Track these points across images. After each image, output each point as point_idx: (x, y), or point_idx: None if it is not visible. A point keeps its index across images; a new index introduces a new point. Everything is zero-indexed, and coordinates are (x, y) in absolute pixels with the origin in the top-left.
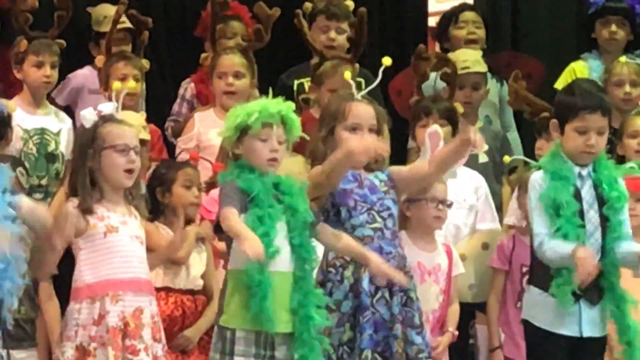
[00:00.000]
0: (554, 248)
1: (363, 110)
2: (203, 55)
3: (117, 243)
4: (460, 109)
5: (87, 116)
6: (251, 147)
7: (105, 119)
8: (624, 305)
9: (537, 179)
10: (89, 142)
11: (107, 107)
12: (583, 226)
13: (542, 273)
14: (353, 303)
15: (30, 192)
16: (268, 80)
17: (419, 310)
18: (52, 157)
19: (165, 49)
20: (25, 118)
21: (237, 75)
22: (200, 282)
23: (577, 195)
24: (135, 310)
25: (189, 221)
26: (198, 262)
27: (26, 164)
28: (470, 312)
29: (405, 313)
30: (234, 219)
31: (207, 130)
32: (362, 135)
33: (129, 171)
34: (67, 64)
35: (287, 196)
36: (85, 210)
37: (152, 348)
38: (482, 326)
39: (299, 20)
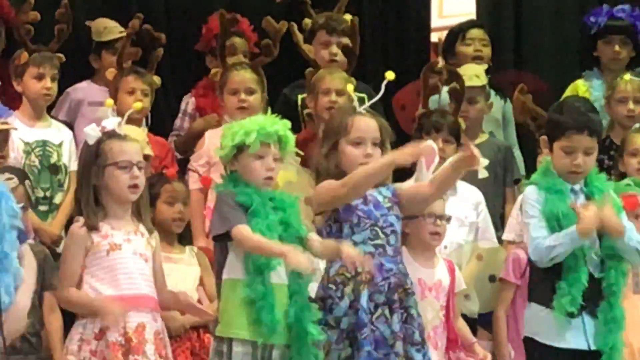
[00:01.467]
0: (555, 238)
1: (366, 124)
2: (213, 71)
3: (120, 260)
4: (463, 124)
5: (91, 133)
6: (248, 165)
7: (109, 135)
8: (616, 318)
9: (531, 192)
10: (92, 159)
11: (111, 123)
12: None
13: (542, 289)
14: (352, 320)
15: (35, 204)
16: (271, 94)
17: (420, 327)
18: (55, 169)
19: (168, 63)
20: (26, 131)
21: (249, 91)
22: (194, 297)
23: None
24: (138, 326)
25: (186, 239)
26: (189, 277)
27: (30, 177)
28: (471, 328)
29: (405, 330)
30: (257, 237)
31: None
32: (366, 149)
33: (134, 187)
34: (66, 78)
35: (280, 211)
36: (90, 227)
37: None
38: (483, 342)
39: (293, 31)
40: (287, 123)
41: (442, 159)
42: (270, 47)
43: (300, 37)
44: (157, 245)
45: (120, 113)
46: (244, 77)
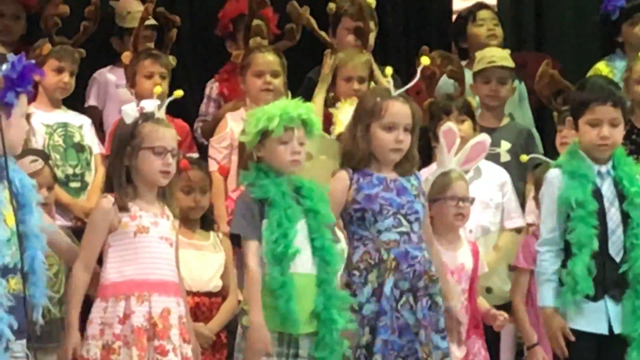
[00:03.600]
0: (542, 263)
1: (399, 109)
2: (235, 53)
3: (146, 244)
4: (474, 103)
5: (129, 112)
6: (273, 150)
7: (146, 117)
8: None
9: (554, 176)
10: (127, 138)
11: (150, 105)
12: (596, 227)
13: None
14: (374, 307)
15: (66, 182)
16: (293, 78)
17: (445, 315)
18: (80, 147)
19: (189, 48)
20: (45, 115)
21: (275, 74)
22: (217, 284)
23: (597, 194)
24: (163, 311)
25: (210, 224)
26: (213, 264)
27: (56, 156)
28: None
29: (430, 318)
30: (253, 272)
31: (238, 131)
32: (398, 134)
33: (165, 172)
34: (91, 59)
35: (307, 200)
36: (121, 207)
37: (181, 349)
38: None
39: (304, 15)
40: (311, 106)
41: (462, 138)
42: (293, 31)
43: (313, 21)
44: (177, 230)
45: (139, 97)
46: (269, 59)
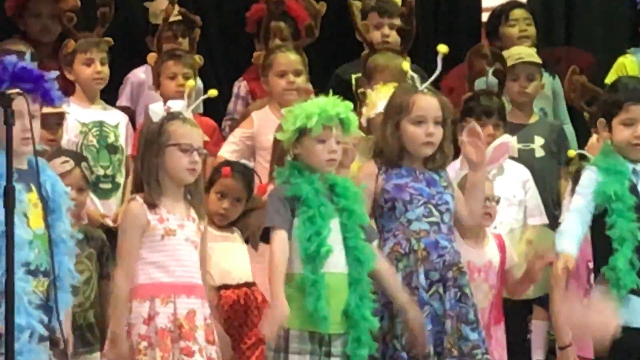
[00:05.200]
0: (562, 230)
1: (427, 103)
2: (256, 53)
3: (173, 247)
4: (508, 106)
5: (156, 110)
6: (310, 148)
7: (173, 116)
8: None
9: (591, 171)
10: (154, 137)
11: (177, 104)
12: (636, 221)
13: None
14: None
15: (97, 183)
16: (320, 75)
17: (474, 306)
18: (113, 148)
19: (218, 46)
20: (82, 112)
21: (297, 73)
22: (248, 276)
23: (633, 190)
24: (189, 312)
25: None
26: (244, 254)
27: (88, 156)
28: (527, 307)
29: (459, 309)
30: (278, 257)
31: (265, 131)
32: (428, 128)
33: (191, 170)
34: (127, 62)
35: (342, 198)
36: (150, 204)
37: (206, 350)
38: (538, 321)
39: (351, 9)
40: (349, 105)
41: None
42: (312, 28)
43: (358, 15)
44: (205, 231)
45: (164, 98)
46: (291, 58)
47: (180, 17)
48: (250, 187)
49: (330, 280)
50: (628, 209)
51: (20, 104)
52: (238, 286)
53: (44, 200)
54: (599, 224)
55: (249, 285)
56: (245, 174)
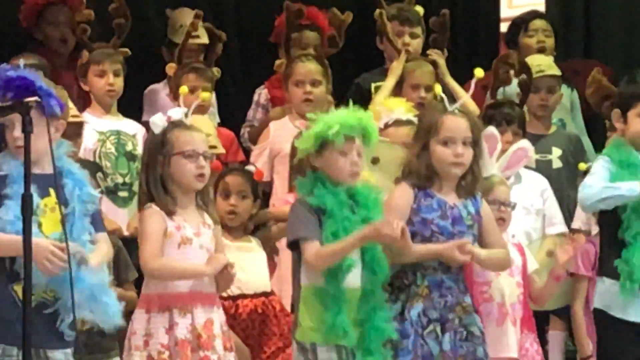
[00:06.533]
0: (613, 184)
1: (456, 123)
2: (277, 62)
3: (190, 255)
4: (527, 116)
5: (157, 122)
6: (331, 160)
7: (174, 124)
8: None
9: (604, 161)
10: (158, 147)
11: (177, 113)
12: None
13: (613, 262)
14: (398, 326)
15: (115, 191)
16: (339, 84)
17: (484, 344)
18: (131, 156)
19: (238, 54)
20: (99, 122)
21: (314, 83)
22: (270, 284)
23: None
24: (207, 322)
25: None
26: (262, 262)
27: (107, 164)
28: (544, 317)
29: (466, 348)
30: (325, 250)
31: (281, 140)
32: (456, 148)
33: (200, 176)
34: (143, 72)
35: (362, 208)
36: (168, 212)
37: (225, 357)
38: (555, 332)
39: (382, 19)
40: (371, 115)
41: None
42: (335, 38)
43: (389, 26)
44: (220, 235)
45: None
46: (309, 68)
47: (202, 42)
48: (253, 183)
49: (349, 295)
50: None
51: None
52: (255, 295)
53: (62, 204)
54: (609, 217)
55: (266, 294)
56: (243, 170)
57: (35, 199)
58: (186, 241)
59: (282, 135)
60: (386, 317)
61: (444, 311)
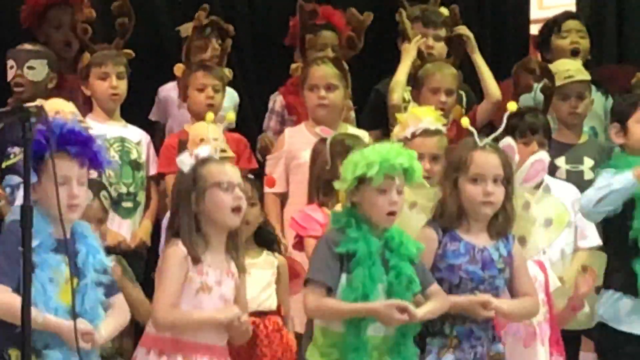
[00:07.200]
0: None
1: (486, 159)
2: (293, 65)
3: (206, 304)
4: (553, 124)
5: (185, 160)
6: (370, 198)
7: (204, 160)
8: None
9: (608, 173)
10: (190, 184)
11: (204, 151)
12: None
13: (620, 275)
14: None
15: (118, 201)
16: (360, 89)
17: None
18: (136, 165)
19: (251, 59)
20: (102, 128)
21: (330, 87)
22: (270, 303)
23: None
24: None
25: (268, 243)
26: (260, 282)
27: (110, 173)
28: (575, 338)
29: None
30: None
31: (297, 148)
32: (486, 187)
33: (236, 209)
34: (153, 76)
35: (394, 256)
36: (195, 259)
37: None
38: (587, 353)
39: (402, 19)
40: (413, 153)
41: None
42: (354, 40)
43: (409, 25)
44: (244, 286)
45: (191, 110)
46: (324, 72)
47: (210, 20)
48: (260, 190)
49: (371, 344)
50: None
51: (67, 168)
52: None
53: (74, 274)
54: (616, 224)
55: (263, 314)
56: (247, 177)
57: (60, 267)
58: (206, 289)
59: (297, 142)
60: None
61: None
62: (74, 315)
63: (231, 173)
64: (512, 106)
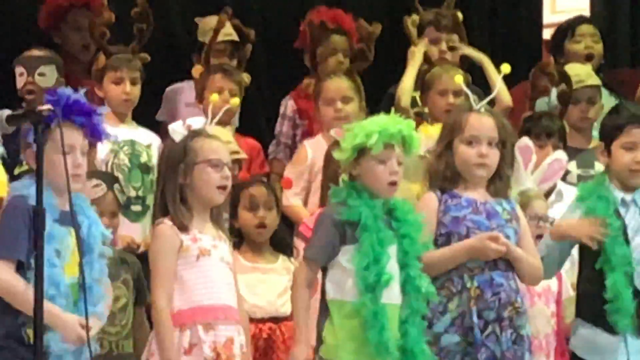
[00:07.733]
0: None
1: (481, 122)
2: (305, 81)
3: (209, 267)
4: (567, 128)
5: (177, 129)
6: (370, 169)
7: (196, 133)
8: None
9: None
10: (180, 156)
11: (198, 122)
12: (628, 244)
13: (588, 305)
14: (454, 338)
15: (127, 204)
16: (373, 95)
17: (530, 348)
18: (146, 168)
19: (263, 62)
20: (113, 131)
21: (345, 100)
22: (286, 309)
23: (619, 217)
24: (227, 341)
25: (284, 248)
26: (277, 287)
27: (120, 176)
28: None
29: (514, 351)
30: (304, 311)
31: (319, 159)
32: (480, 148)
33: (222, 188)
34: (167, 79)
35: (402, 224)
36: (181, 227)
37: None
38: None
39: (406, 25)
40: (411, 123)
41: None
42: (365, 51)
43: (414, 32)
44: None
45: (206, 112)
46: (340, 85)
47: (232, 38)
48: (276, 194)
49: (390, 312)
50: (617, 229)
51: (73, 137)
52: (263, 320)
53: (80, 245)
54: (587, 252)
55: (277, 320)
56: (263, 181)
57: (66, 239)
58: (204, 252)
59: (320, 156)
60: (425, 341)
61: (500, 309)
62: (84, 288)
63: (222, 151)
64: (505, 68)
